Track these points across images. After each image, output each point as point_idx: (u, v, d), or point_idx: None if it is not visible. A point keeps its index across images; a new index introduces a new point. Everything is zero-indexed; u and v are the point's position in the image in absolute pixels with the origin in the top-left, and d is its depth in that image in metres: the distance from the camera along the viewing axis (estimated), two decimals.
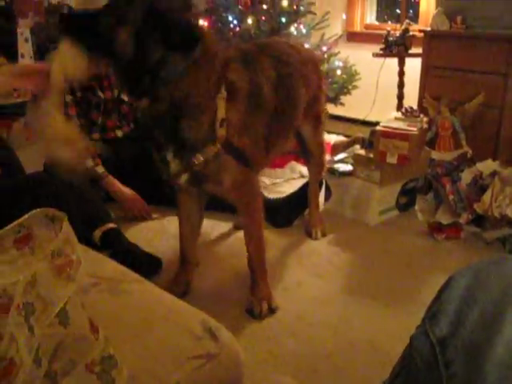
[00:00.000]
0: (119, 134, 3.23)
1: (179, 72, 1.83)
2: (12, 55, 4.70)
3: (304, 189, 3.13)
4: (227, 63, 2.05)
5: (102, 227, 2.71)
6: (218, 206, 2.95)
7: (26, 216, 1.05)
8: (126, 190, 3.09)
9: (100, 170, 3.05)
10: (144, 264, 2.54)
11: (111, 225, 2.76)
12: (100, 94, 3.15)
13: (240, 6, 4.03)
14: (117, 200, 3.08)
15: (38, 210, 1.05)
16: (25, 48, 4.73)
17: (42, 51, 4.88)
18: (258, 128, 2.15)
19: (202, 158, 1.99)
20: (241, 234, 2.58)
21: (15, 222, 1.04)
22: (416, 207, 3.40)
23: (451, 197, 3.07)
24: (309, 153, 2.94)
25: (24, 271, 0.97)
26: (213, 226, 3.09)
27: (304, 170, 3.95)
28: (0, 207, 1.78)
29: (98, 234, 2.69)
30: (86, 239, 2.64)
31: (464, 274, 0.84)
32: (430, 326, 0.81)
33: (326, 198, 3.42)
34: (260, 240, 2.32)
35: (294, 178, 3.83)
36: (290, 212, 3.13)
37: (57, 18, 2.84)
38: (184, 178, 2.09)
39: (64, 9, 5.07)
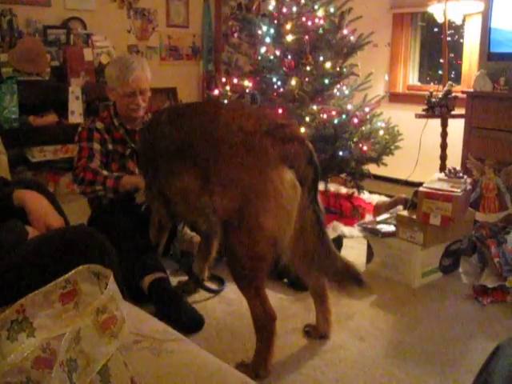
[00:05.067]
0: None
1: None
2: (63, 112, 4.87)
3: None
4: None
5: (151, 276, 2.73)
6: None
7: (73, 271, 1.07)
8: None
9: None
10: (187, 319, 2.54)
11: (160, 274, 2.77)
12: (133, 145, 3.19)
13: (284, 68, 4.11)
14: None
15: (85, 266, 1.07)
16: (75, 105, 4.90)
17: (91, 108, 5.04)
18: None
19: None
20: None
21: (62, 278, 1.06)
22: (460, 269, 3.34)
23: (497, 259, 3.00)
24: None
25: (67, 326, 0.98)
26: None
27: (346, 230, 3.93)
28: (44, 259, 1.80)
29: (146, 282, 2.72)
30: (135, 288, 2.67)
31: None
32: None
33: (368, 259, 3.38)
34: None
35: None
36: None
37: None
38: None
39: None
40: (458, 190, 3.12)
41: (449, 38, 4.74)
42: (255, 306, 2.20)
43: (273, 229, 2.13)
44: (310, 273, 2.45)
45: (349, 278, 2.31)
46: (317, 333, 2.56)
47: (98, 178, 2.98)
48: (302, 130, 3.79)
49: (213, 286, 3.05)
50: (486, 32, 3.97)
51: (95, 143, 3.09)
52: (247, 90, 4.18)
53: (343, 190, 4.77)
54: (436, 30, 5.32)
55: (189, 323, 2.50)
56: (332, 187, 4.66)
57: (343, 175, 4.37)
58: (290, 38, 4.06)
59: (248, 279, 2.20)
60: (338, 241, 3.39)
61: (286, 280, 3.09)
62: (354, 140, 4.03)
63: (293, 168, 2.16)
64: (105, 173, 3.01)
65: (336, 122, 3.94)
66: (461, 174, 3.37)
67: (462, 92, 4.23)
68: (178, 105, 3.64)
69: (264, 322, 2.19)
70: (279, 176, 2.12)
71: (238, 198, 2.13)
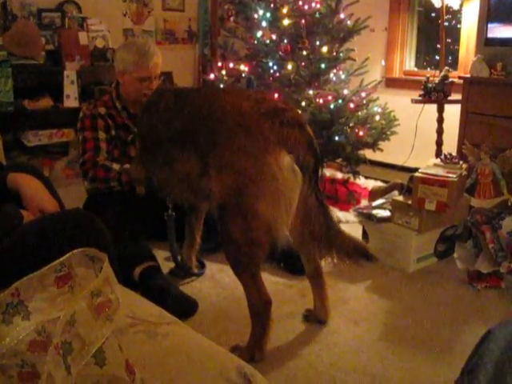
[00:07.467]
0: None
1: None
2: (58, 96, 4.85)
3: None
4: None
5: (142, 265, 2.74)
6: None
7: (68, 255, 1.07)
8: None
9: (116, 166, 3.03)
10: (179, 305, 2.53)
11: (151, 263, 2.78)
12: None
13: (280, 52, 4.10)
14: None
15: (80, 249, 1.07)
16: (70, 89, 4.87)
17: (86, 93, 5.02)
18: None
19: None
20: None
21: (57, 261, 1.06)
22: (455, 255, 3.35)
23: (491, 245, 3.00)
24: None
25: (62, 309, 0.98)
26: None
27: (341, 215, 3.93)
28: (40, 242, 1.81)
29: (137, 271, 2.72)
30: (127, 277, 2.67)
31: (503, 327, 0.82)
32: (469, 380, 0.79)
33: None
34: None
35: None
36: None
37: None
38: None
39: (109, 53, 5.21)
40: (454, 176, 3.12)
41: (446, 23, 4.72)
42: (251, 291, 2.19)
43: (269, 215, 2.07)
44: (314, 257, 2.44)
45: (358, 254, 2.33)
46: (314, 318, 2.57)
47: (111, 174, 2.96)
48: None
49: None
50: (484, 17, 3.95)
51: (100, 132, 3.06)
52: (243, 75, 4.16)
53: (339, 175, 4.76)
54: (433, 14, 5.29)
55: (181, 309, 2.50)
56: (328, 172, 4.66)
57: (339, 160, 4.37)
58: (286, 22, 4.04)
59: (243, 265, 2.17)
60: None
61: (282, 264, 3.10)
62: (350, 125, 4.03)
63: (292, 154, 2.09)
64: (115, 167, 2.98)
65: (332, 106, 3.94)
66: (456, 160, 3.37)
67: (459, 77, 4.22)
68: (176, 88, 3.61)
69: (260, 308, 2.18)
70: (277, 160, 2.04)
71: (234, 182, 2.08)
